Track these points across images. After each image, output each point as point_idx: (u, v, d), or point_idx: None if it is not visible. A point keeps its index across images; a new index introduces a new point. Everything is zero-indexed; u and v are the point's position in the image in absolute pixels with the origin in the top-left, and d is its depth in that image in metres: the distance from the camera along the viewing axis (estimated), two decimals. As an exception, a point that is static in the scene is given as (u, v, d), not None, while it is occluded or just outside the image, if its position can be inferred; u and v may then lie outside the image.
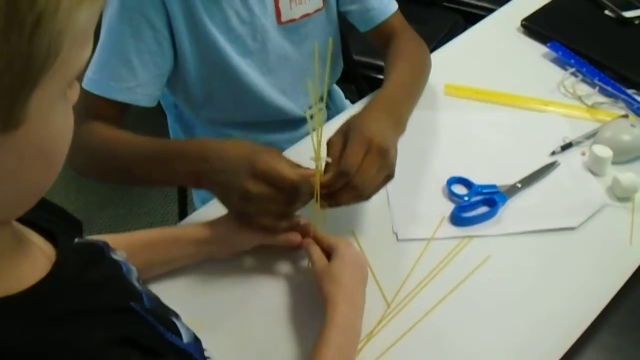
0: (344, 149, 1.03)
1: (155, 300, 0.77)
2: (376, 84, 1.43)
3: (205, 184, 1.07)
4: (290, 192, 1.00)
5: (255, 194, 0.99)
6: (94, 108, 1.21)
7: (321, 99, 0.99)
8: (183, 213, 1.94)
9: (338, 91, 1.72)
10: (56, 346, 0.55)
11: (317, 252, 1.03)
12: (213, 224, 1.08)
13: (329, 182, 1.02)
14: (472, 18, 2.40)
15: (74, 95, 0.58)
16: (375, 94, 1.23)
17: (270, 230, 1.05)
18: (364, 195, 1.05)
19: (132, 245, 1.00)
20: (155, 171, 1.12)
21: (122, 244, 0.88)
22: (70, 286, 0.62)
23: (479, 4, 2.65)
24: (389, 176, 1.07)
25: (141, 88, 1.23)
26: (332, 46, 0.97)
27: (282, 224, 1.05)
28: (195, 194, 1.58)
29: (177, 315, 0.80)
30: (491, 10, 1.90)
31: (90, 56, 0.55)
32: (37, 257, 0.64)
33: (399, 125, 1.18)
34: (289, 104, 1.45)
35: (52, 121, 0.54)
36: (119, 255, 0.78)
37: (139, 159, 1.13)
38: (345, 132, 1.07)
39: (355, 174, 1.01)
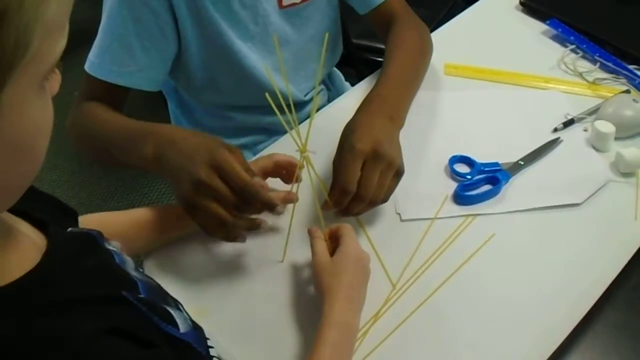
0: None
1: (155, 289, 0.77)
2: (375, 67, 1.43)
3: (164, 168, 1.03)
4: (239, 192, 0.97)
5: (206, 183, 0.96)
6: (94, 91, 1.23)
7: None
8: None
9: (338, 74, 1.71)
10: (43, 338, 0.55)
11: (320, 244, 1.01)
12: None
13: (336, 202, 1.04)
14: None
15: (53, 85, 0.57)
16: (369, 93, 1.22)
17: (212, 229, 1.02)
18: (376, 201, 1.06)
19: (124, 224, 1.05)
20: (125, 151, 1.10)
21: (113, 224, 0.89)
22: (59, 276, 0.62)
23: None
24: (398, 173, 1.07)
25: (142, 72, 1.24)
26: (327, 42, 0.95)
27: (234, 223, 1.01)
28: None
29: (177, 304, 0.80)
30: (490, -11, 1.89)
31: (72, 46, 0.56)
32: (27, 248, 0.64)
33: (395, 121, 1.17)
34: (290, 88, 1.44)
35: (28, 115, 0.53)
36: (112, 246, 0.78)
37: (114, 138, 1.13)
38: (341, 146, 1.08)
39: (359, 187, 1.02)
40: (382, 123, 1.12)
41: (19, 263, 0.60)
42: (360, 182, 1.02)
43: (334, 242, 1.02)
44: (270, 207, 0.99)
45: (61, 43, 0.54)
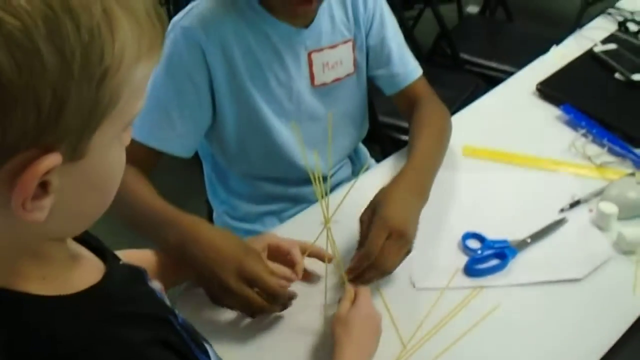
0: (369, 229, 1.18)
1: (189, 325, 0.86)
2: (400, 145, 1.55)
3: (187, 260, 1.14)
4: (269, 296, 1.12)
5: (235, 291, 1.10)
6: (132, 153, 1.34)
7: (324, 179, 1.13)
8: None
9: (363, 149, 1.81)
10: (103, 341, 0.65)
11: (345, 303, 1.13)
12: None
13: (354, 267, 1.17)
14: (493, 80, 2.52)
15: (127, 138, 0.68)
16: (403, 167, 1.36)
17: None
18: (386, 272, 1.20)
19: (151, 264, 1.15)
20: (148, 233, 1.21)
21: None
22: (118, 293, 0.72)
23: (499, 67, 2.77)
24: (408, 251, 1.21)
25: (178, 139, 1.37)
26: (331, 120, 1.09)
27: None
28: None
29: (208, 342, 0.90)
30: (510, 73, 2.02)
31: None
32: (89, 267, 0.75)
33: (422, 196, 1.31)
34: (319, 161, 1.56)
35: (108, 157, 0.64)
36: (155, 285, 0.87)
37: (139, 215, 1.24)
38: (373, 209, 1.22)
39: (378, 257, 1.16)
40: (412, 200, 1.27)
41: (82, 278, 0.70)
42: (380, 253, 1.16)
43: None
44: (286, 306, 1.15)
45: (141, 102, 0.64)
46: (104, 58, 0.56)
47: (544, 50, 2.04)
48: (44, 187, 0.58)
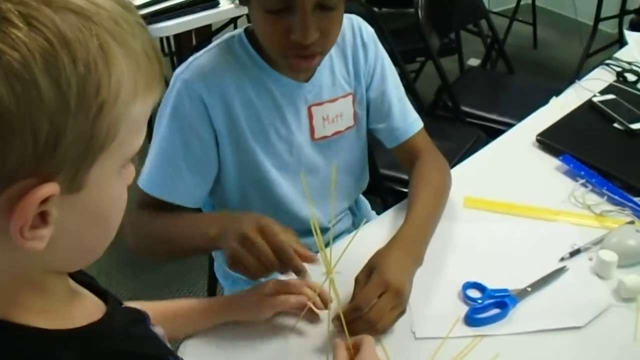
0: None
1: None
2: (400, 197, 1.57)
3: (221, 239, 1.22)
4: (276, 250, 1.16)
5: (249, 238, 1.16)
6: (145, 203, 1.38)
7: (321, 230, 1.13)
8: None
9: (364, 201, 1.84)
10: None
11: (341, 353, 1.10)
12: (235, 296, 1.26)
13: (345, 313, 1.17)
14: (494, 132, 2.55)
15: (128, 175, 0.70)
16: (399, 231, 1.38)
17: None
18: (377, 329, 1.21)
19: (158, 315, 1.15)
20: (189, 236, 1.31)
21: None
22: (118, 332, 0.74)
23: (500, 119, 2.80)
24: (402, 312, 1.23)
25: (187, 190, 1.40)
26: (334, 173, 1.11)
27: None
28: (226, 291, 1.71)
29: None
30: (511, 125, 2.04)
31: (143, 145, 0.68)
32: (90, 305, 0.76)
33: (418, 261, 1.34)
34: (317, 213, 1.57)
35: (108, 191, 0.66)
36: (157, 330, 0.89)
37: (179, 227, 1.33)
38: (369, 270, 1.24)
39: (369, 311, 1.18)
40: (408, 263, 1.29)
41: (83, 315, 0.71)
42: (374, 307, 1.18)
43: (356, 351, 1.10)
44: (298, 270, 1.18)
45: (140, 139, 0.67)
46: (100, 92, 0.58)
47: (545, 101, 2.07)
48: (43, 217, 0.60)
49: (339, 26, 1.33)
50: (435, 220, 1.47)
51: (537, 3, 5.01)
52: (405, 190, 1.52)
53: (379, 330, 1.21)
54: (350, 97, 1.54)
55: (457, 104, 2.88)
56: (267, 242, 1.16)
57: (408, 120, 1.60)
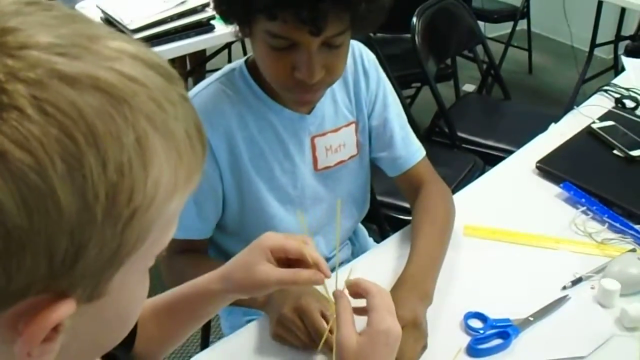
0: None
1: None
2: (397, 224, 1.55)
3: (270, 306, 1.27)
4: (312, 331, 1.17)
5: (287, 319, 1.21)
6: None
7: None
8: (205, 341, 1.98)
9: (362, 230, 1.82)
10: None
11: (347, 326, 0.97)
12: (233, 259, 1.08)
13: None
14: (490, 158, 2.56)
15: (151, 261, 0.59)
16: (402, 273, 1.35)
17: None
18: None
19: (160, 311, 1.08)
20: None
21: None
22: None
23: (497, 145, 2.80)
24: (424, 347, 1.20)
25: (196, 227, 1.40)
26: (339, 207, 1.07)
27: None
28: (224, 320, 1.68)
29: None
30: (508, 151, 2.04)
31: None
32: None
33: (426, 299, 1.30)
34: (321, 243, 1.57)
35: (130, 294, 0.58)
36: None
37: None
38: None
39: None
40: (416, 302, 1.25)
41: None
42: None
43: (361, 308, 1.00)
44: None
45: (171, 233, 0.57)
46: (133, 198, 0.48)
47: (542, 127, 2.07)
48: (54, 329, 0.49)
49: (345, 61, 1.32)
50: (441, 256, 1.43)
51: (533, 29, 5.03)
52: (403, 217, 1.52)
53: None
54: (352, 126, 1.53)
55: (454, 130, 2.88)
56: (304, 324, 1.20)
57: (410, 149, 1.59)
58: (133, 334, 0.98)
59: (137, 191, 0.48)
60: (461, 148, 2.85)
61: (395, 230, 1.62)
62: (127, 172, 0.47)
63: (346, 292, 1.03)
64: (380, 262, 1.35)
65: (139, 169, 0.48)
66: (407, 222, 1.56)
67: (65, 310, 0.48)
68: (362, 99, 1.52)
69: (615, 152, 1.90)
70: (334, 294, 1.03)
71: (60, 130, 0.43)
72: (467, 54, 3.63)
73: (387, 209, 2.26)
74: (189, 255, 1.40)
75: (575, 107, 2.19)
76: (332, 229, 1.58)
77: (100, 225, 0.46)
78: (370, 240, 1.83)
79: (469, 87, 4.39)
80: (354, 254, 1.70)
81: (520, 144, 2.02)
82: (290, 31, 1.17)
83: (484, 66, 3.40)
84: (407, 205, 1.61)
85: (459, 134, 2.88)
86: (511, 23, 4.65)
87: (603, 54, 4.59)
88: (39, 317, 0.47)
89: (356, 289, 1.02)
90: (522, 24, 4.81)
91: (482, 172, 2.52)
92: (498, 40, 4.69)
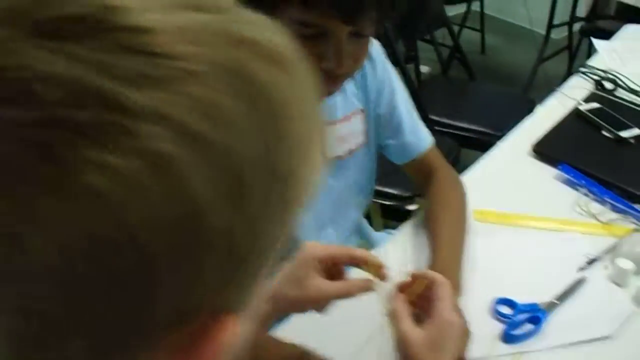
0: None
1: None
2: (389, 212, 1.52)
3: None
4: None
5: None
6: None
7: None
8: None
9: (364, 221, 1.80)
10: None
11: (407, 321, 0.96)
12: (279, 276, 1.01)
13: None
14: (463, 140, 2.57)
15: None
16: (431, 264, 1.33)
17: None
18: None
19: None
20: None
21: None
22: None
23: (469, 127, 2.73)
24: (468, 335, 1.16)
25: None
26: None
27: None
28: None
29: None
30: (482, 133, 2.03)
31: None
32: None
33: (457, 290, 1.27)
34: (330, 232, 1.56)
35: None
36: None
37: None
38: None
39: None
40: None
41: None
42: None
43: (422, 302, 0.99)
44: None
45: None
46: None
47: (513, 107, 2.08)
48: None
49: (367, 51, 1.31)
50: (463, 245, 1.42)
51: (488, 12, 5.10)
52: (396, 204, 1.51)
53: None
54: (361, 114, 1.52)
55: (426, 112, 2.87)
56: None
57: (419, 136, 1.59)
58: None
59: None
60: (434, 130, 2.83)
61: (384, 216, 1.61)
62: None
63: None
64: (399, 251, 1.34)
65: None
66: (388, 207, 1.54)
67: (233, 326, 0.42)
68: (369, 86, 1.51)
69: (604, 133, 1.95)
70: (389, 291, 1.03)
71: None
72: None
73: (384, 197, 2.21)
74: None
75: (556, 88, 2.23)
76: (342, 219, 1.58)
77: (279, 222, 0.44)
78: (371, 229, 1.82)
79: (423, 69, 4.41)
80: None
81: (493, 124, 2.01)
82: (323, 19, 1.14)
83: (448, 49, 3.43)
84: (388, 190, 1.58)
85: (430, 116, 2.87)
86: (464, 5, 4.72)
87: (555, 35, 4.68)
88: (216, 336, 0.41)
89: (422, 280, 1.02)
90: (475, 6, 4.88)
91: (457, 154, 2.54)
92: (453, 22, 4.72)
